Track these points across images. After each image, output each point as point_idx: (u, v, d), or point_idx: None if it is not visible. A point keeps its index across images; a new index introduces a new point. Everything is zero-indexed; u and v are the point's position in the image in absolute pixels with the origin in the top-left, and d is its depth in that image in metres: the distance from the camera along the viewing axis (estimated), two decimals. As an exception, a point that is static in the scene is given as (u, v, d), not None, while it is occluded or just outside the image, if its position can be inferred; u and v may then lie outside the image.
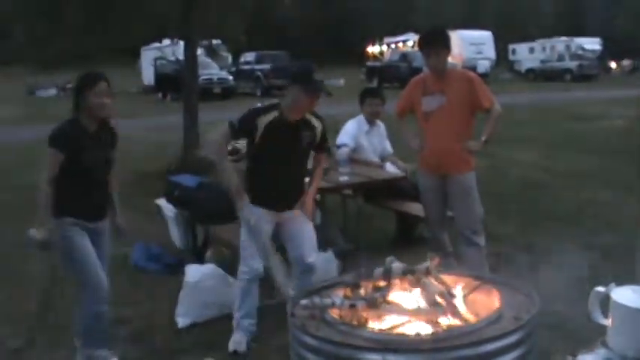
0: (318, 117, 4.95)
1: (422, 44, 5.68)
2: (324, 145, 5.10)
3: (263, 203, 4.84)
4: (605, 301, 2.85)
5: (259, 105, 4.98)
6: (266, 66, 35.13)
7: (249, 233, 4.78)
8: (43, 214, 4.33)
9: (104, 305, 4.55)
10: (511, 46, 54.50)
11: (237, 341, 4.93)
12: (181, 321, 5.43)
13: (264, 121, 4.69)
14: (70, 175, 4.37)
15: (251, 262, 4.84)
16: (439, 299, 3.29)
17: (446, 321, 3.19)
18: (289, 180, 4.92)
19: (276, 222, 4.92)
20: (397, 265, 3.49)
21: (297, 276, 4.92)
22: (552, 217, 8.25)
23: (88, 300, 4.53)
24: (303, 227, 4.96)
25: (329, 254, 5.94)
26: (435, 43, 5.60)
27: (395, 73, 36.30)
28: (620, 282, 2.90)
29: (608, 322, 2.83)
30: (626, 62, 54.24)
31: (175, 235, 7.31)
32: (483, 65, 40.80)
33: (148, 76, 38.06)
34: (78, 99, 4.41)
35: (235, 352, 4.88)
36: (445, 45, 5.59)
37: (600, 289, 2.89)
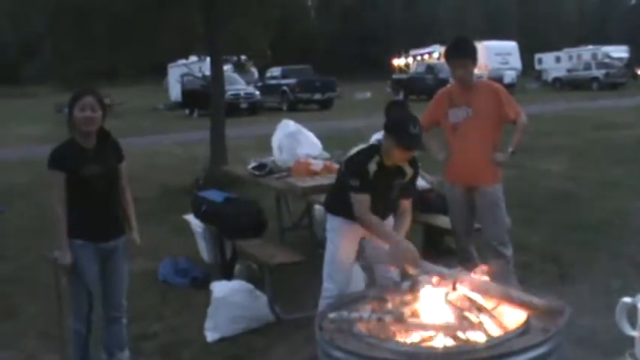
0: (412, 164, 4.70)
1: (448, 56, 5.64)
2: (409, 191, 4.79)
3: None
4: (633, 312, 2.83)
5: (359, 148, 4.70)
6: (292, 80, 35.21)
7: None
8: (63, 237, 4.36)
9: (83, 326, 4.50)
10: (537, 56, 54.17)
11: None
12: (210, 335, 5.45)
13: (372, 168, 4.50)
14: (74, 195, 4.37)
15: (338, 278, 4.75)
16: (466, 312, 3.29)
17: (473, 334, 3.18)
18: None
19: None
20: (424, 278, 3.50)
21: None
22: (580, 227, 8.18)
23: (72, 318, 4.56)
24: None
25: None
26: (461, 54, 5.57)
27: (421, 85, 36.27)
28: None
29: (635, 333, 2.81)
30: (654, 69, 53.68)
31: (203, 249, 7.36)
32: (510, 75, 40.42)
33: (174, 93, 38.21)
34: (70, 117, 4.41)
35: None
36: (472, 56, 5.57)
37: (628, 299, 2.86)
